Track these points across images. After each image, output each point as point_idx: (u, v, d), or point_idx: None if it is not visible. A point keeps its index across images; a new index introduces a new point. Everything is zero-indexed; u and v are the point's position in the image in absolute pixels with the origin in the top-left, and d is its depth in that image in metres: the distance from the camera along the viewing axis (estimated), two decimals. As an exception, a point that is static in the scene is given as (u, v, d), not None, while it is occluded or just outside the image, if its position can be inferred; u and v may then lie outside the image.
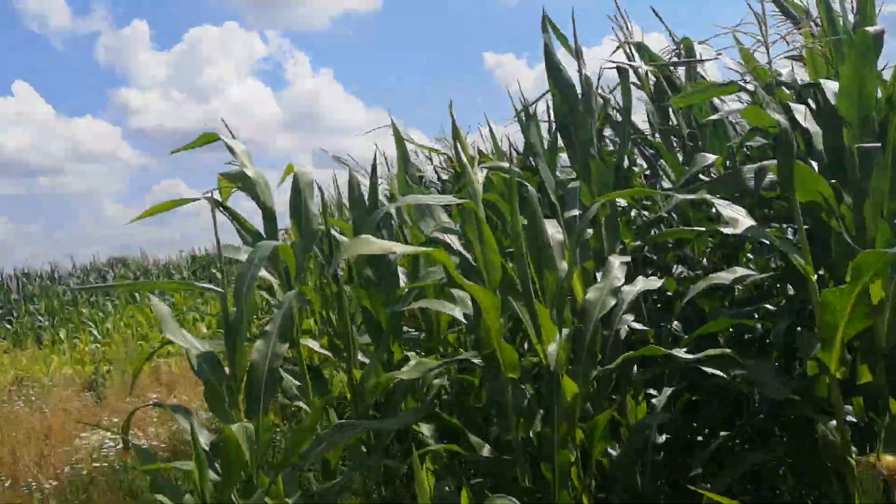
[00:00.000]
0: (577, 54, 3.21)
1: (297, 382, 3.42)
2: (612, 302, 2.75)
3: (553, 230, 2.76)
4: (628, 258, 2.96)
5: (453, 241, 2.83)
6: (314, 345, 3.42)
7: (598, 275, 2.94)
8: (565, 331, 2.59)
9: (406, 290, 3.31)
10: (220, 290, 2.85)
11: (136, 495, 5.69)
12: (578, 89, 3.12)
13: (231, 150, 3.42)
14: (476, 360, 2.87)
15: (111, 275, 21.94)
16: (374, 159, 3.59)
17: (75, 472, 6.06)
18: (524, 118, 3.54)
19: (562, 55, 3.13)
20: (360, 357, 3.37)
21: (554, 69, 3.08)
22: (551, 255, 2.71)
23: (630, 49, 3.76)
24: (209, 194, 3.17)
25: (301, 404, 3.26)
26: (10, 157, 40.17)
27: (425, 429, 3.31)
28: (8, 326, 19.89)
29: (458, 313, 2.84)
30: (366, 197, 3.69)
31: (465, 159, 2.82)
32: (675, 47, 3.72)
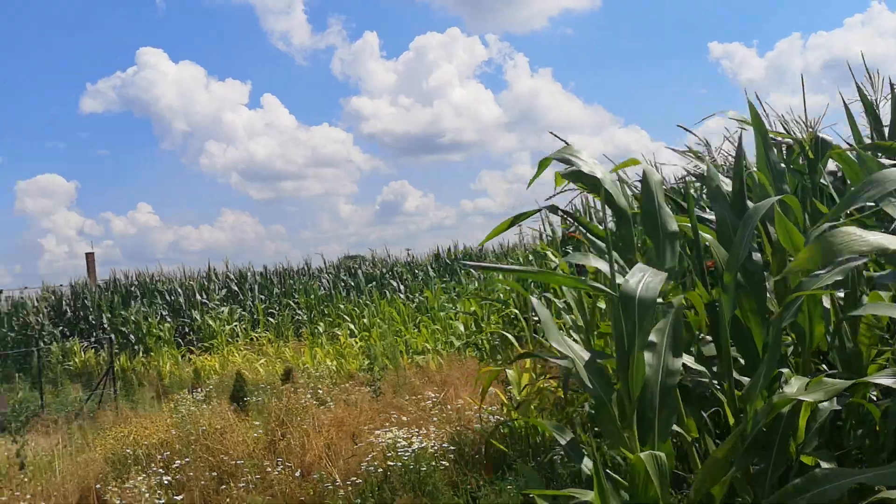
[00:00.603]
0: None
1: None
2: None
3: None
4: None
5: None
6: (688, 360, 3.02)
7: None
8: None
9: (792, 299, 2.83)
10: (611, 292, 2.54)
11: (433, 496, 5.66)
12: None
13: (566, 159, 3.11)
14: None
15: (359, 271, 23.09)
16: (739, 146, 3.12)
17: (370, 468, 6.15)
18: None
19: None
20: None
21: None
22: None
23: None
24: (547, 204, 2.90)
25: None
26: (260, 164, 44.15)
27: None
28: (270, 320, 21.53)
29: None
30: (724, 190, 3.23)
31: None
32: None
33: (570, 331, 6.73)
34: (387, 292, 19.66)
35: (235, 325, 20.89)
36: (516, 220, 2.97)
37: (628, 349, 2.42)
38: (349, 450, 6.90)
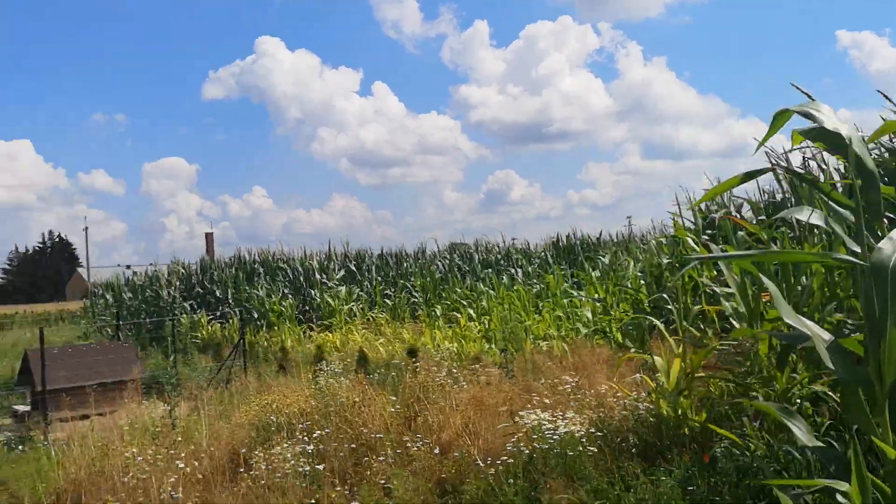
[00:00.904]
0: None
1: None
2: None
3: None
4: None
5: None
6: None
7: None
8: None
9: None
10: (860, 262, 2.33)
11: (586, 480, 5.52)
12: None
13: (808, 114, 2.88)
14: None
15: (476, 256, 23.10)
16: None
17: (515, 449, 6.07)
18: None
19: None
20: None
21: None
22: None
23: None
24: (783, 154, 2.67)
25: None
26: (369, 150, 45.17)
27: None
28: (387, 301, 21.83)
29: None
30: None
31: None
32: None
33: (731, 318, 6.42)
34: (504, 278, 19.57)
35: (353, 305, 21.30)
36: (748, 176, 2.78)
37: (880, 327, 2.20)
38: (490, 430, 6.84)
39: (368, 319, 20.66)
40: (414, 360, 13.51)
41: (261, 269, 24.26)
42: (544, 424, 6.10)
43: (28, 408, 14.59)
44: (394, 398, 7.90)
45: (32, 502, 7.28)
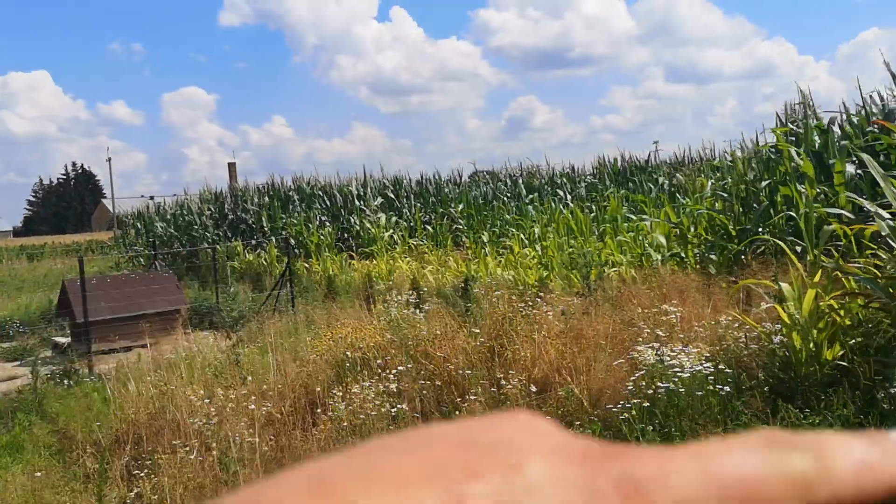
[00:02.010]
0: None
1: None
2: None
3: None
4: None
5: None
6: None
7: None
8: None
9: None
10: None
11: (730, 424, 4.79)
12: None
13: None
14: None
15: (520, 180, 22.16)
16: None
17: (635, 389, 5.34)
18: None
19: None
20: None
21: None
22: None
23: None
24: None
25: None
26: (387, 77, 43.95)
27: None
28: (428, 228, 21.04)
29: None
30: None
31: None
32: None
33: (889, 239, 5.57)
34: (553, 202, 18.67)
35: (393, 232, 20.56)
36: None
37: None
38: (592, 365, 6.11)
39: (410, 247, 19.94)
40: (466, 289, 12.80)
41: (295, 197, 23.50)
42: (666, 359, 5.35)
43: (68, 339, 14.14)
44: (476, 330, 7.17)
45: (89, 443, 6.71)
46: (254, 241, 21.34)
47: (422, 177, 23.89)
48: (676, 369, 5.23)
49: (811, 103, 9.72)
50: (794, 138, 10.08)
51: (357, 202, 21.67)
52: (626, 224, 13.95)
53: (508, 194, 21.71)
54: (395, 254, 19.56)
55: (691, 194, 12.02)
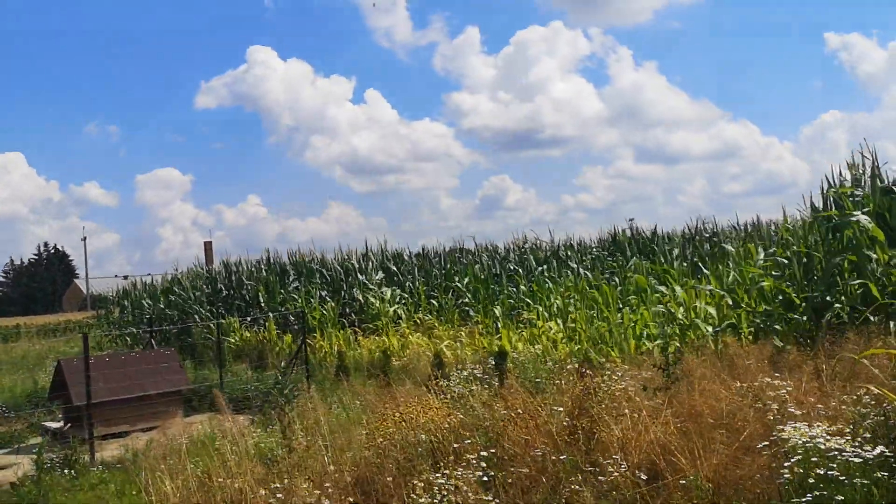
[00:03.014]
0: None
1: None
2: None
3: None
4: None
5: None
6: None
7: None
8: None
9: None
10: None
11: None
12: None
13: None
14: None
15: (529, 254, 21.59)
16: None
17: (785, 476, 4.58)
18: None
19: None
20: None
21: None
22: None
23: None
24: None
25: None
26: (362, 157, 44.52)
27: None
28: (433, 302, 20.31)
29: None
30: None
31: None
32: None
33: None
34: (568, 273, 18.07)
35: (398, 307, 19.80)
36: None
37: None
38: (710, 448, 5.36)
39: (416, 322, 19.15)
40: (501, 365, 12.05)
41: (292, 272, 22.69)
42: (819, 442, 4.61)
43: (59, 424, 13.04)
44: (559, 409, 6.40)
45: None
46: (249, 318, 20.41)
47: (423, 250, 23.30)
48: (833, 453, 4.51)
49: (876, 163, 9.27)
50: (851, 198, 9.63)
51: (360, 276, 20.91)
52: (656, 295, 13.35)
53: (513, 267, 21.09)
54: (402, 329, 18.75)
55: (739, 262, 11.43)
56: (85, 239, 59.43)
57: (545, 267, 19.77)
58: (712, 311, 10.54)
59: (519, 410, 6.12)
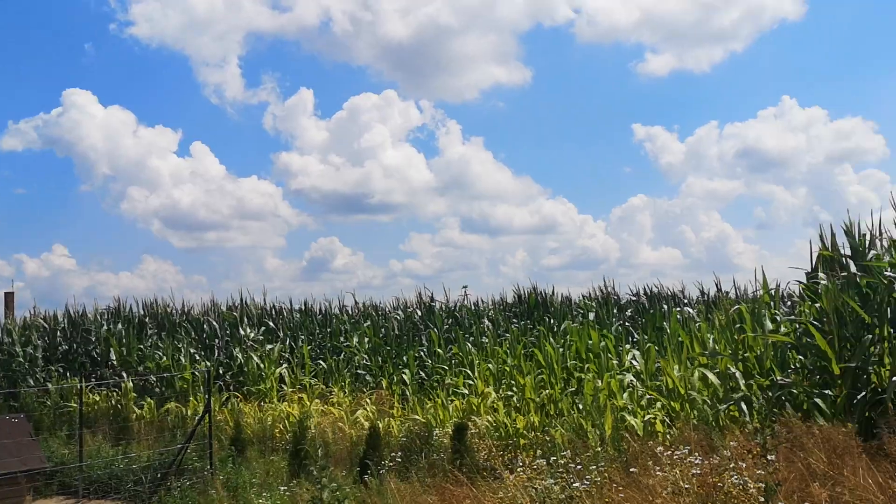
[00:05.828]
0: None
1: None
2: None
3: None
4: None
5: None
6: None
7: None
8: None
9: None
10: None
11: None
12: None
13: None
14: None
15: (435, 311, 19.75)
16: None
17: None
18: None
19: None
20: None
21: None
22: None
23: None
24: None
25: None
26: (183, 212, 41.74)
27: None
28: (321, 363, 17.99)
29: None
30: None
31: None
32: None
33: None
34: (485, 338, 16.42)
35: (283, 369, 17.32)
36: None
37: None
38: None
39: (304, 386, 16.73)
40: (460, 440, 10.17)
41: (150, 324, 19.52)
42: None
43: None
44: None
45: None
46: (104, 380, 17.11)
47: (304, 305, 20.88)
48: None
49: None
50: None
51: (241, 331, 18.20)
52: (613, 362, 11.99)
53: (421, 327, 19.07)
54: (287, 394, 16.30)
55: (724, 329, 10.20)
56: None
57: (454, 327, 18.05)
58: (713, 377, 9.22)
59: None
